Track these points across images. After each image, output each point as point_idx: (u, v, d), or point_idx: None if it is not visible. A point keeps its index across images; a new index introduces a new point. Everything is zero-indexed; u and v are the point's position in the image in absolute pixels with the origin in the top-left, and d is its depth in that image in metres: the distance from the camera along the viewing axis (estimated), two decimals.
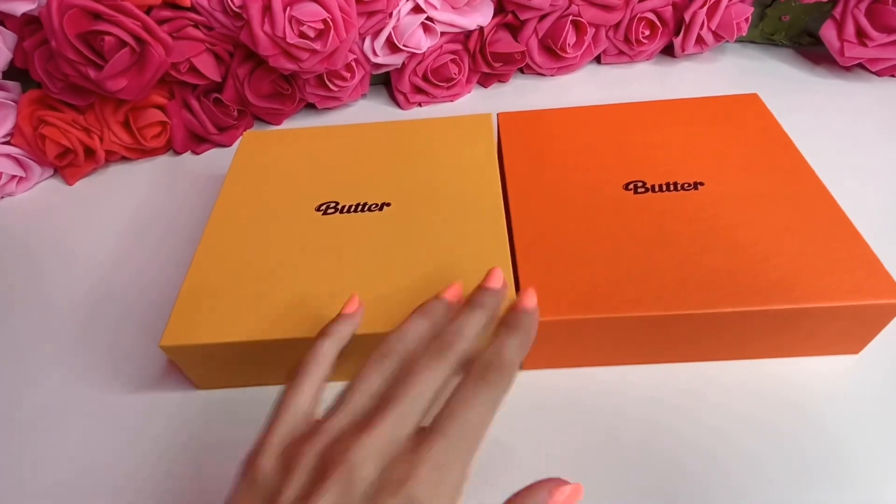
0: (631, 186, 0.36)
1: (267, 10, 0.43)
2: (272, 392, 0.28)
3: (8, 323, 0.39)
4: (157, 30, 0.43)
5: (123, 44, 0.42)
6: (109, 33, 0.41)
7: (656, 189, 0.36)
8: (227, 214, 0.37)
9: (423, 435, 0.20)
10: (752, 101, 0.42)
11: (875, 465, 0.28)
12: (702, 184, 0.36)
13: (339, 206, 0.37)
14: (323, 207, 0.37)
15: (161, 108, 0.49)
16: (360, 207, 0.37)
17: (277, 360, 0.32)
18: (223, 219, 0.37)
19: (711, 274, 0.31)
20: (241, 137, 0.45)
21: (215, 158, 0.52)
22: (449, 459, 0.19)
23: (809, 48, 0.56)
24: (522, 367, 0.33)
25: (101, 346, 0.37)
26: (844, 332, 0.31)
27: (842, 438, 0.29)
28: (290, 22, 0.43)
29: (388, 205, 0.37)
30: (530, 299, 0.26)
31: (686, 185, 0.36)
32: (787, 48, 0.57)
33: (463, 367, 0.23)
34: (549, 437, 0.31)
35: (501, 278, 0.27)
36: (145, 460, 0.31)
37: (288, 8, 0.43)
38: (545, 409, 0.32)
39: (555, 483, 0.21)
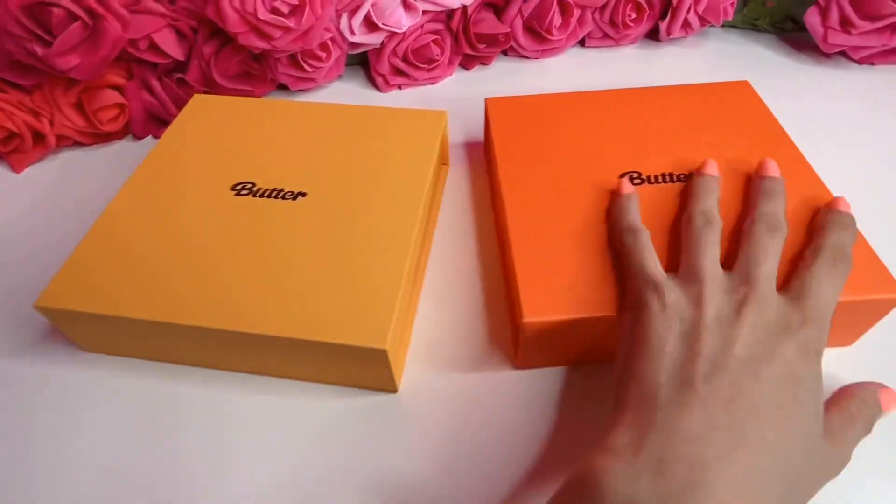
0: (626, 177, 0.35)
1: None
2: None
3: None
4: (113, 2, 0.39)
5: (74, 17, 0.38)
6: (58, 5, 0.37)
7: (652, 181, 0.35)
8: (143, 180, 0.36)
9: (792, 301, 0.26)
10: (743, 88, 0.41)
11: (866, 458, 0.28)
12: None
13: (254, 189, 0.35)
14: (238, 187, 0.35)
15: (118, 88, 0.45)
16: (274, 193, 0.35)
17: (163, 340, 0.30)
18: (138, 185, 0.36)
19: None
20: (190, 99, 0.42)
21: None
22: (820, 319, 0.25)
23: (792, 34, 0.56)
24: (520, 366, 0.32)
25: None
26: (838, 325, 0.31)
27: None
28: None
29: (304, 195, 0.35)
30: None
31: (682, 176, 0.35)
32: (770, 34, 0.57)
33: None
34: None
35: (777, 168, 0.33)
36: None
37: None
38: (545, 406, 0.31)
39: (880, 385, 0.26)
